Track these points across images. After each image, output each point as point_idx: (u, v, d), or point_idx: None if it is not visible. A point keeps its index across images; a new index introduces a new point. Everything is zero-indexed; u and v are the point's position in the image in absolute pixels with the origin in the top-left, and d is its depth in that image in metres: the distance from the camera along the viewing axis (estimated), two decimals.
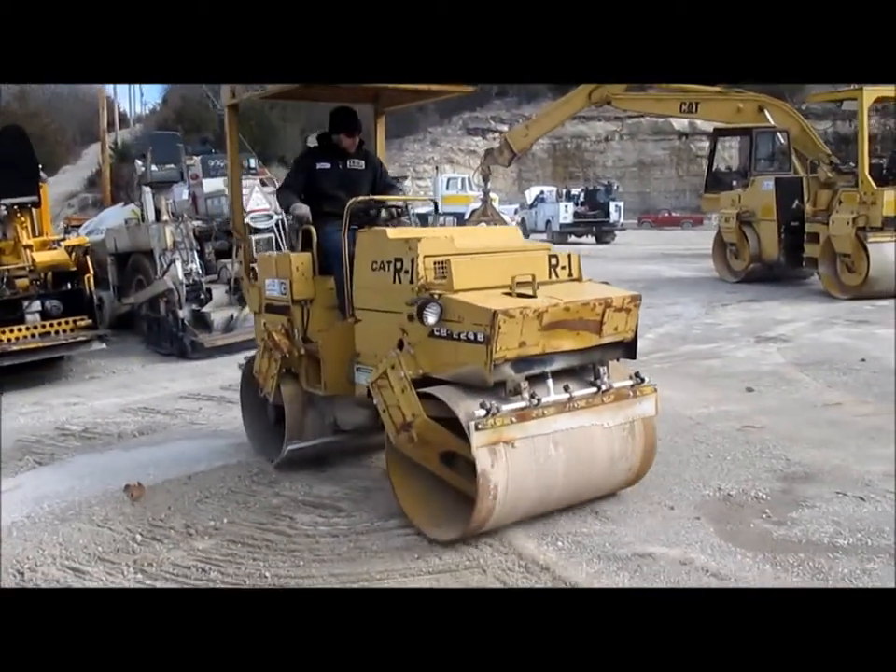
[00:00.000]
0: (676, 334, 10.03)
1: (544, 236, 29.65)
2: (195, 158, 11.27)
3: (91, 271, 9.42)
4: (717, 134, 19.69)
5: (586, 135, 49.79)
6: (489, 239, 4.70)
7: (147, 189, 10.26)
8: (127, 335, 11.42)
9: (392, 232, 4.39)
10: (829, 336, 9.42)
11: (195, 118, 33.65)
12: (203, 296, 10.25)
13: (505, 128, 42.02)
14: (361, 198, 5.04)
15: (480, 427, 3.71)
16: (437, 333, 3.99)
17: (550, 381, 4.10)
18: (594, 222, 32.31)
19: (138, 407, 7.46)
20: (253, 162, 11.73)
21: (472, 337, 3.83)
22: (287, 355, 5.00)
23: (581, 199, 33.45)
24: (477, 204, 18.30)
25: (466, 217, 20.98)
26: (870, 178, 11.93)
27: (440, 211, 5.92)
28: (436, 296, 3.96)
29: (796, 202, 13.47)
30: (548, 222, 32.70)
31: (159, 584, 3.81)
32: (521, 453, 3.87)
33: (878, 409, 6.23)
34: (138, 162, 10.59)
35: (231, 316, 10.22)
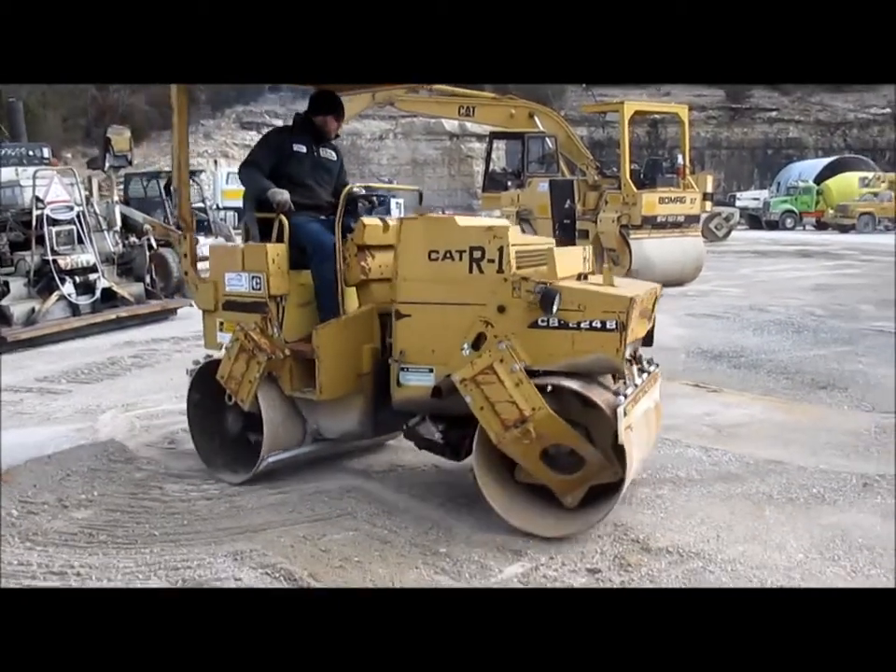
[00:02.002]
0: None
1: None
2: None
3: None
4: (493, 137, 21.03)
5: (361, 133, 50.49)
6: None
7: None
8: None
9: (462, 220, 4.22)
10: None
11: None
12: None
13: (279, 122, 41.86)
14: (360, 184, 4.96)
15: (626, 412, 3.77)
16: (543, 323, 3.93)
17: (634, 367, 4.35)
18: None
19: None
20: (46, 152, 11.41)
21: (599, 325, 3.83)
22: (272, 356, 4.60)
23: None
24: None
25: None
26: (631, 182, 13.54)
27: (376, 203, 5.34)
28: (548, 285, 3.90)
29: (568, 201, 14.90)
30: None
31: (50, 550, 4.02)
32: (634, 437, 3.95)
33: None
34: None
35: (33, 309, 9.98)
